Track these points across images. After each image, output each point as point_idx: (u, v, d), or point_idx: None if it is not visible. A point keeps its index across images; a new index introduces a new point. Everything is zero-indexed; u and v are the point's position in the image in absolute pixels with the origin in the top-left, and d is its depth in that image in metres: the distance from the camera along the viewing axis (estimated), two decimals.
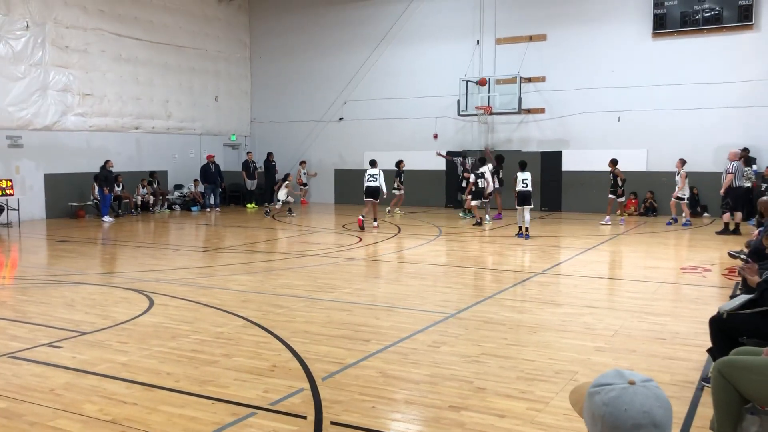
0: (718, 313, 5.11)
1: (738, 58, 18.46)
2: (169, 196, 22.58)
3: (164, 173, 22.85)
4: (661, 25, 19.32)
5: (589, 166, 20.11)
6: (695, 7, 18.86)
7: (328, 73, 24.54)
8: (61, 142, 19.65)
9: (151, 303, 8.27)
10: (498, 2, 21.43)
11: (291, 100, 25.46)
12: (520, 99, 20.59)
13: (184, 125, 23.78)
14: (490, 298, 8.56)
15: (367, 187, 16.67)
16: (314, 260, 11.85)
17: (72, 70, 19.80)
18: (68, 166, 19.74)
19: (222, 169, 23.27)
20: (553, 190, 20.94)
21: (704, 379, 5.20)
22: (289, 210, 20.16)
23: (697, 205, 18.74)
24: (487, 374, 5.49)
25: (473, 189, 17.07)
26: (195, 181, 22.96)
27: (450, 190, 22.16)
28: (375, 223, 16.62)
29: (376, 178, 16.65)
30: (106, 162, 19.38)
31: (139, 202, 21.16)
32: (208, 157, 22.67)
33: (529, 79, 21.05)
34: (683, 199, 16.96)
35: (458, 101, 21.37)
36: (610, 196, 17.30)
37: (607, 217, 17.40)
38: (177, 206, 22.47)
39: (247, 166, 23.56)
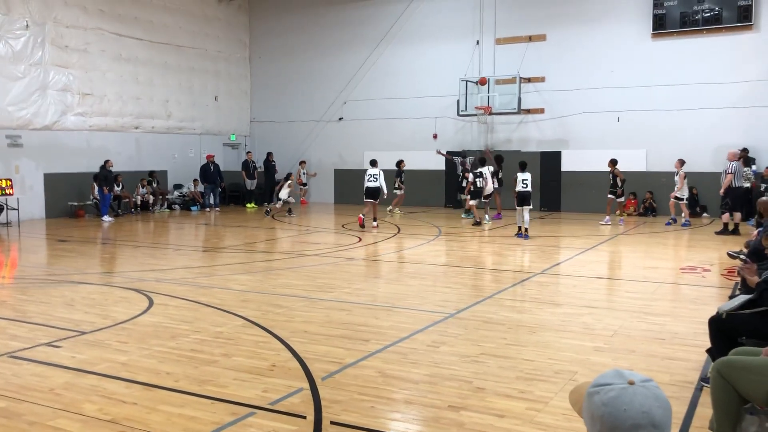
0: (718, 313, 5.11)
1: (737, 59, 18.47)
2: (169, 196, 22.58)
3: (164, 173, 22.85)
4: (661, 25, 19.33)
5: (588, 166, 20.11)
6: (695, 8, 18.87)
7: (328, 73, 24.54)
8: (61, 142, 19.65)
9: (151, 303, 8.27)
10: (498, 2, 21.43)
11: (291, 100, 25.46)
12: (519, 99, 20.59)
13: (184, 125, 23.78)
14: (490, 298, 8.57)
15: (367, 187, 16.67)
16: (314, 260, 11.85)
17: (72, 70, 19.80)
18: (68, 165, 19.73)
19: (222, 168, 23.27)
20: (553, 190, 20.95)
21: (703, 379, 5.20)
22: (289, 210, 20.16)
23: (696, 206, 18.75)
24: (486, 374, 5.50)
25: (472, 188, 17.07)
26: (195, 180, 22.96)
27: (449, 190, 22.16)
28: (375, 223, 16.62)
29: (376, 178, 16.66)
30: (106, 162, 19.38)
31: (139, 202, 21.16)
32: (208, 156, 22.67)
33: (529, 80, 21.06)
34: (682, 199, 16.97)
35: (458, 101, 21.38)
36: (610, 196, 17.31)
37: (607, 217, 17.41)
38: (177, 206, 22.47)
39: (247, 165, 23.56)
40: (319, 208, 23.00)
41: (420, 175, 22.21)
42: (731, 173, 15.00)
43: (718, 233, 14.88)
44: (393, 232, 15.92)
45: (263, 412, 4.70)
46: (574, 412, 1.85)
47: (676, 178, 16.93)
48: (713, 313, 5.32)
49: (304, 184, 22.81)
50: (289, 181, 19.64)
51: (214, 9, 24.80)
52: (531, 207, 14.85)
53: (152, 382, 5.32)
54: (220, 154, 24.43)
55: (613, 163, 17.10)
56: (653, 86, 19.46)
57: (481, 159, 18.11)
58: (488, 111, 20.78)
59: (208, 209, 22.25)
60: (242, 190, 24.20)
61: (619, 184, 17.14)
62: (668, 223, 16.98)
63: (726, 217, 14.95)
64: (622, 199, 17.75)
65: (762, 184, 16.77)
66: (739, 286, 7.41)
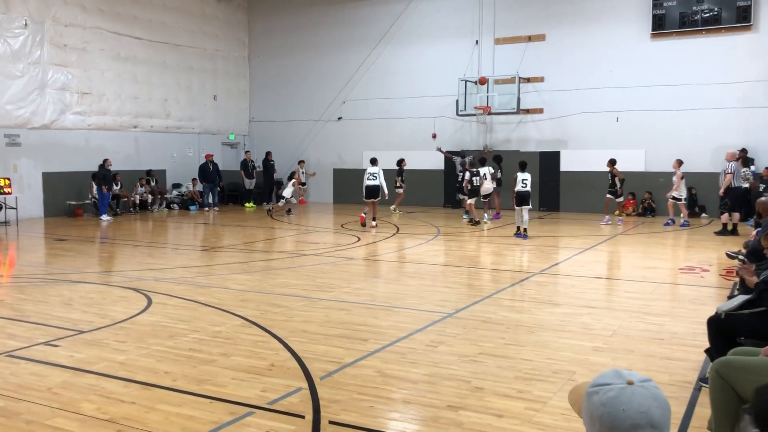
0: (717, 313, 5.11)
1: (736, 59, 18.48)
2: (168, 195, 22.57)
3: (162, 172, 22.84)
4: (660, 25, 19.34)
5: (587, 166, 20.11)
6: (694, 8, 18.88)
7: (327, 73, 24.53)
8: (60, 141, 19.63)
9: (149, 302, 8.27)
10: (497, 2, 21.43)
11: (290, 99, 25.45)
12: (518, 99, 20.60)
13: (183, 124, 23.77)
14: (489, 298, 8.56)
15: (367, 186, 16.68)
16: (313, 260, 11.84)
17: (70, 69, 19.78)
18: (66, 164, 19.72)
19: (220, 168, 23.29)
20: (552, 190, 20.95)
21: (702, 379, 5.21)
22: (288, 210, 20.17)
23: (695, 206, 18.77)
24: (485, 374, 5.50)
25: (469, 187, 17.04)
26: (193, 180, 22.94)
27: (449, 189, 22.15)
28: (373, 223, 16.61)
29: (376, 177, 16.66)
30: (105, 161, 19.36)
31: (138, 201, 21.14)
32: (207, 156, 22.66)
33: (528, 79, 21.06)
34: (680, 199, 16.98)
35: (457, 101, 21.38)
36: (608, 196, 17.32)
37: (607, 216, 17.42)
38: (175, 205, 22.46)
39: (246, 165, 23.54)
40: (318, 208, 22.99)
41: (419, 175, 22.20)
42: (730, 173, 15.00)
43: (717, 233, 14.89)
44: (392, 231, 15.92)
45: (262, 411, 4.69)
46: (572, 412, 1.85)
47: (674, 178, 16.95)
48: (712, 313, 5.32)
49: (303, 184, 22.80)
50: (293, 180, 19.75)
51: (213, 8, 24.79)
52: (530, 207, 14.84)
53: (150, 382, 5.31)
54: (218, 154, 24.42)
55: (612, 163, 17.10)
56: (652, 86, 19.47)
57: (481, 159, 18.12)
58: (487, 111, 20.78)
59: (206, 209, 22.24)
60: (241, 189, 24.19)
61: (618, 184, 17.14)
62: (667, 224, 16.98)
63: (725, 217, 14.95)
64: (621, 199, 17.76)
65: (761, 185, 16.79)
66: (737, 287, 7.41)
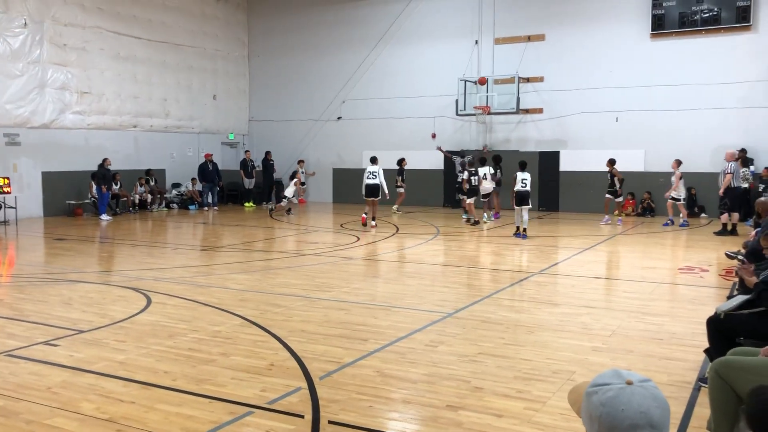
0: (716, 313, 5.12)
1: (736, 59, 18.49)
2: (167, 195, 22.57)
3: (162, 172, 22.83)
4: (660, 25, 19.34)
5: (586, 166, 20.12)
6: (693, 8, 18.89)
7: (327, 72, 24.53)
8: (59, 140, 19.62)
9: (149, 301, 8.27)
10: (496, 2, 21.42)
11: (289, 99, 25.45)
12: (518, 99, 20.61)
13: (182, 124, 23.76)
14: (488, 298, 8.57)
15: (367, 184, 16.68)
16: (312, 259, 11.84)
17: (70, 68, 19.77)
18: (66, 164, 19.71)
19: (220, 167, 23.28)
20: (551, 190, 20.96)
21: (701, 379, 5.21)
22: (288, 210, 20.18)
23: (694, 206, 18.77)
24: (484, 374, 5.50)
25: (467, 187, 17.02)
26: (193, 179, 22.93)
27: (448, 189, 22.16)
28: (373, 222, 16.61)
29: (375, 176, 16.66)
30: (104, 160, 19.36)
31: (137, 201, 21.13)
32: (206, 155, 22.65)
33: (528, 79, 21.06)
34: (678, 199, 16.98)
35: (456, 101, 21.38)
36: (608, 196, 17.32)
37: (606, 216, 17.43)
38: (175, 205, 22.46)
39: (245, 165, 23.53)
40: (318, 208, 22.99)
41: (418, 175, 22.20)
42: (730, 173, 15.01)
43: (717, 234, 14.89)
44: (392, 231, 15.92)
45: (261, 411, 4.70)
46: (571, 412, 1.85)
47: (673, 178, 16.95)
48: (711, 313, 5.32)
49: (303, 183, 22.80)
50: (296, 179, 19.85)
51: (213, 7, 24.79)
52: (530, 207, 14.84)
53: (150, 381, 5.31)
54: (218, 153, 24.42)
55: (611, 163, 17.10)
56: (652, 86, 19.47)
57: (482, 158, 18.12)
58: (487, 111, 20.78)
59: (206, 208, 22.23)
60: (240, 189, 24.19)
61: (617, 184, 17.14)
62: (666, 224, 16.98)
63: (725, 217, 14.96)
64: (621, 199, 17.76)
65: (760, 185, 16.79)
66: (737, 287, 7.42)
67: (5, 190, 17.41)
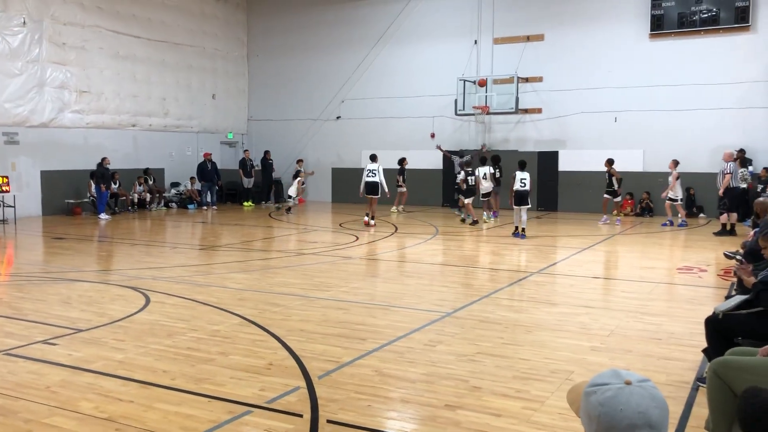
0: (714, 313, 5.12)
1: (735, 60, 18.50)
2: (166, 194, 22.56)
3: (161, 171, 22.82)
4: (659, 26, 19.35)
5: (585, 166, 20.13)
6: (692, 8, 18.90)
7: (326, 72, 24.53)
8: (58, 139, 19.61)
9: (148, 300, 8.27)
10: (496, 2, 21.43)
11: (288, 98, 25.44)
12: (517, 99, 20.62)
13: (182, 123, 23.75)
14: (487, 298, 8.57)
15: (366, 182, 16.68)
16: (311, 259, 11.85)
17: (69, 67, 19.75)
18: (65, 163, 19.70)
19: (219, 167, 23.29)
20: (550, 190, 20.97)
21: (699, 379, 5.22)
22: (288, 209, 20.19)
23: (693, 206, 18.79)
24: (483, 373, 5.50)
25: (464, 187, 17.00)
26: (192, 178, 22.92)
27: (447, 189, 22.15)
28: (372, 222, 16.62)
29: (375, 174, 16.66)
30: (103, 159, 19.36)
31: (136, 200, 21.12)
32: (205, 155, 22.65)
33: (527, 79, 21.07)
34: (676, 200, 16.99)
35: (455, 101, 21.39)
36: (606, 195, 17.33)
37: (605, 216, 17.44)
38: (173, 204, 22.45)
39: (244, 164, 23.53)
40: (317, 207, 22.99)
41: (418, 175, 22.19)
42: (729, 173, 15.03)
43: (716, 234, 14.90)
44: (390, 231, 15.92)
45: (260, 410, 4.70)
46: (570, 412, 1.85)
47: (670, 178, 16.97)
48: (709, 313, 5.33)
49: (302, 183, 22.79)
50: (299, 179, 19.88)
51: (212, 7, 24.77)
52: (529, 206, 14.83)
53: (149, 380, 5.31)
54: (217, 153, 24.41)
55: (610, 162, 17.10)
56: (651, 86, 19.48)
57: (482, 158, 18.13)
58: (486, 110, 20.79)
59: (205, 207, 22.22)
60: (239, 188, 24.19)
61: (616, 183, 17.15)
62: (664, 224, 16.97)
63: (724, 217, 14.97)
64: (619, 198, 17.77)
65: (758, 185, 16.80)
66: (735, 287, 7.42)
67: (4, 188, 17.40)
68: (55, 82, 19.37)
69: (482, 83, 20.71)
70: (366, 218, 16.65)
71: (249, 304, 8.08)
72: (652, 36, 19.54)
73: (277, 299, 8.39)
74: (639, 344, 6.42)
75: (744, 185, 16.23)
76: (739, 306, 5.06)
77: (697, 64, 18.92)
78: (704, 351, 5.31)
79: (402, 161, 20.03)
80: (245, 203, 23.53)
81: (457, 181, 17.55)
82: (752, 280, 5.23)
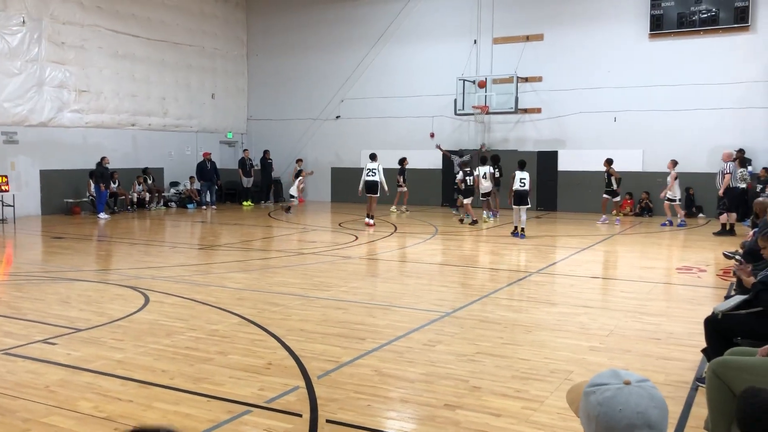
0: (713, 313, 5.12)
1: (734, 60, 18.51)
2: (165, 194, 22.55)
3: (160, 170, 22.81)
4: (658, 26, 19.35)
5: (585, 166, 20.13)
6: (692, 9, 18.90)
7: (325, 71, 24.52)
8: (57, 139, 19.59)
9: (147, 300, 8.26)
10: (495, 2, 21.43)
11: (288, 97, 25.43)
12: (516, 99, 20.62)
13: (181, 122, 23.73)
14: (486, 297, 8.57)
15: (366, 181, 16.67)
16: (310, 258, 11.84)
17: (68, 67, 19.74)
18: (64, 162, 19.69)
19: (218, 166, 23.27)
20: (549, 189, 20.97)
21: (699, 379, 5.22)
22: (288, 209, 20.19)
23: (692, 206, 18.79)
24: (482, 373, 5.50)
25: (463, 187, 17.00)
26: (191, 178, 22.91)
27: (447, 189, 22.15)
28: (371, 221, 16.61)
29: (375, 173, 16.66)
30: (102, 159, 19.35)
31: (135, 199, 21.11)
32: (205, 154, 22.64)
33: (526, 79, 21.07)
34: (674, 200, 16.99)
35: (455, 100, 21.39)
36: (605, 195, 17.33)
37: (604, 216, 17.44)
38: (173, 203, 22.44)
39: (244, 163, 23.52)
40: (316, 207, 22.98)
41: (417, 174, 22.19)
42: (729, 173, 15.02)
43: (716, 234, 14.90)
44: (390, 230, 15.92)
45: (259, 410, 4.70)
46: (569, 412, 1.85)
47: (668, 178, 16.97)
48: (709, 313, 5.33)
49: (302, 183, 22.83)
50: (300, 178, 19.93)
51: (212, 6, 24.76)
52: (528, 206, 14.83)
53: (148, 380, 5.31)
54: (216, 152, 24.39)
55: (609, 162, 17.11)
56: (650, 86, 19.48)
57: (482, 158, 18.13)
58: (485, 110, 20.79)
59: (204, 207, 22.21)
60: (239, 188, 24.18)
61: (615, 183, 17.15)
62: (664, 224, 16.98)
63: (724, 217, 14.97)
64: (618, 198, 17.77)
65: (758, 185, 16.81)
66: (734, 287, 7.43)
67: (3, 188, 17.39)
68: (55, 81, 19.36)
69: (482, 85, 20.73)
70: (367, 219, 16.65)
71: (248, 304, 8.08)
72: (651, 36, 19.54)
73: (277, 299, 8.39)
74: (638, 344, 6.42)
75: (743, 185, 16.23)
76: (739, 306, 5.07)
77: (697, 64, 18.93)
78: (703, 351, 5.31)
79: (402, 161, 20.03)
80: (244, 203, 23.52)
81: (456, 180, 17.56)
82: (751, 280, 5.23)
